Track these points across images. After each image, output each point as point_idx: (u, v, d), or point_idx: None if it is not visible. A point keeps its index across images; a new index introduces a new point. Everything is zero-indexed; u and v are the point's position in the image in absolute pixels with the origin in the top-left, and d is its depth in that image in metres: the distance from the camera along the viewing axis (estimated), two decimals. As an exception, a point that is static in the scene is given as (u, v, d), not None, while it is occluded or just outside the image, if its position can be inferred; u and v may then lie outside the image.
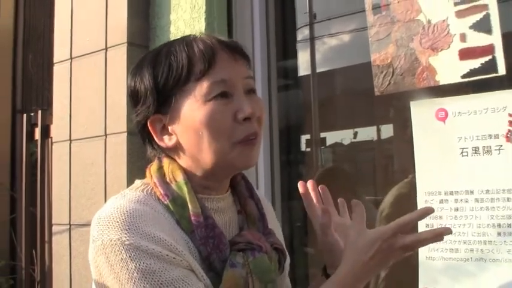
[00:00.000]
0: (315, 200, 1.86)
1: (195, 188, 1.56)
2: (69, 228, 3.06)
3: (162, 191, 1.54)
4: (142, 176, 1.65)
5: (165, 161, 1.62)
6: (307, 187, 1.86)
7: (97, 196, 2.92)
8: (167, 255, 1.40)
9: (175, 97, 1.55)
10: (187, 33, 2.75)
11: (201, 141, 1.53)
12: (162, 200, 1.53)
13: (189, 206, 1.51)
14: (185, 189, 1.54)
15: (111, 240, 1.40)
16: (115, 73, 2.93)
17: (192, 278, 1.43)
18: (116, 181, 2.85)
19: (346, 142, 3.17)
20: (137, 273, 1.37)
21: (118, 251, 1.39)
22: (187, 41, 1.59)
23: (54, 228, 3.17)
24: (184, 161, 1.60)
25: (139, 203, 1.49)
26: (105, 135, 2.93)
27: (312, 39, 3.05)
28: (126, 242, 1.38)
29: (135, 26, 2.95)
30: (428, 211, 1.54)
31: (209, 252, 1.49)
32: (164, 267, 1.39)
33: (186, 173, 1.58)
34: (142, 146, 2.61)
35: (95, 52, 3.04)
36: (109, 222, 1.43)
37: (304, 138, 3.14)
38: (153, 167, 1.63)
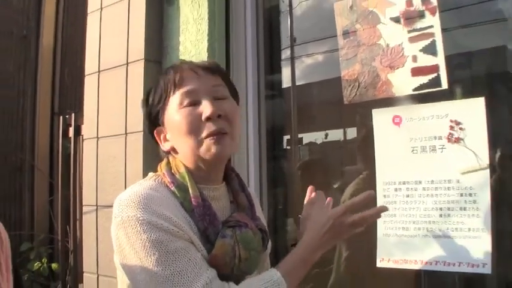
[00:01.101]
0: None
1: (195, 179, 1.63)
2: (96, 208, 3.04)
3: (169, 180, 1.62)
4: (155, 167, 1.73)
5: (171, 158, 1.70)
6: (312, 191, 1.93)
7: (118, 183, 2.90)
8: (172, 229, 1.47)
9: (161, 112, 1.68)
10: (193, 51, 2.75)
11: (181, 140, 1.64)
12: (169, 187, 1.61)
13: (190, 190, 1.59)
14: (186, 178, 1.61)
15: (128, 217, 1.47)
16: (134, 83, 2.92)
17: (192, 248, 1.50)
18: (133, 171, 2.84)
19: (319, 141, 3.15)
20: (148, 243, 1.44)
21: (134, 225, 1.46)
22: (166, 71, 1.73)
23: (84, 209, 3.15)
24: (181, 158, 1.68)
25: (152, 189, 1.56)
26: (126, 133, 2.92)
27: (293, 58, 3.05)
28: (140, 218, 1.46)
29: (151, 46, 2.93)
30: (370, 196, 1.68)
31: (206, 227, 1.55)
32: (170, 239, 1.46)
33: (186, 166, 1.65)
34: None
35: (118, 66, 3.02)
36: (128, 203, 1.50)
37: (286, 138, 3.12)
38: (163, 162, 1.71)
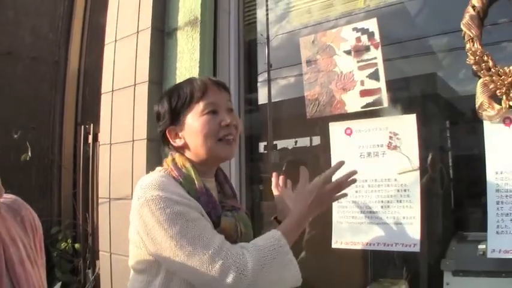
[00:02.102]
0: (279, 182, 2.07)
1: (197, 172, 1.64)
2: (109, 200, 3.01)
3: (176, 173, 1.62)
4: (156, 167, 1.74)
5: (177, 155, 1.69)
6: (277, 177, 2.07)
7: (126, 181, 2.88)
8: (189, 203, 1.50)
9: (183, 114, 1.66)
10: (187, 75, 2.76)
11: (199, 140, 1.63)
12: (177, 179, 1.60)
13: (195, 181, 1.60)
14: (192, 171, 1.62)
15: (152, 195, 1.47)
16: (140, 100, 2.91)
17: (204, 219, 1.52)
18: (138, 170, 2.83)
19: (290, 147, 3.15)
20: (172, 215, 1.44)
21: (158, 202, 1.46)
22: (190, 81, 1.72)
23: (100, 200, 3.12)
24: (189, 154, 1.68)
25: (164, 177, 1.57)
26: (133, 140, 2.90)
27: (269, 81, 3.04)
28: (163, 196, 1.47)
29: (154, 70, 2.91)
30: (339, 164, 1.75)
31: (209, 210, 1.57)
32: (188, 211, 1.47)
33: (191, 162, 1.66)
34: (157, 148, 2.59)
35: (127, 87, 3.00)
36: (149, 186, 1.50)
37: (263, 144, 3.10)
38: (168, 159, 1.70)
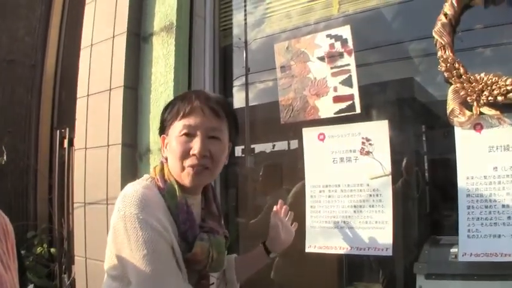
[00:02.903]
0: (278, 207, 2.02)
1: (181, 188, 1.59)
2: (84, 204, 2.96)
3: (161, 185, 1.58)
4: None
5: (165, 166, 1.64)
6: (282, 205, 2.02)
7: (101, 185, 2.84)
8: (162, 231, 1.45)
9: (168, 127, 1.64)
10: (162, 80, 2.73)
11: (172, 160, 1.61)
12: (161, 190, 1.57)
13: (178, 197, 1.56)
14: (175, 186, 1.58)
15: (130, 213, 1.44)
16: (115, 105, 2.87)
17: (171, 254, 1.48)
18: (113, 175, 2.79)
19: (267, 151, 3.16)
20: (142, 239, 1.42)
21: (134, 221, 1.43)
22: (185, 96, 1.66)
23: (75, 205, 3.06)
24: (170, 169, 1.63)
25: (148, 189, 1.53)
26: (108, 145, 2.86)
27: (246, 85, 3.07)
28: (140, 217, 1.43)
29: (129, 75, 2.87)
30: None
31: (186, 229, 1.54)
32: (158, 240, 1.44)
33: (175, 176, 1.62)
34: (131, 153, 2.66)
35: (103, 91, 2.96)
36: (131, 200, 1.46)
37: (240, 148, 3.10)
38: (158, 168, 1.65)
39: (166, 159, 1.66)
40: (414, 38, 2.43)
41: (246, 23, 3.04)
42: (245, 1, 3.02)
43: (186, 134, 1.57)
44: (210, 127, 1.60)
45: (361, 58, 2.32)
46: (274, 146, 3.17)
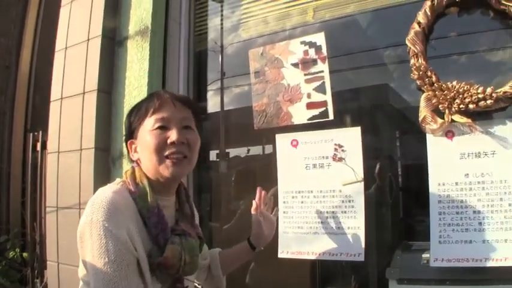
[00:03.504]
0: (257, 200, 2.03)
1: (154, 190, 1.57)
2: (57, 209, 2.91)
3: (132, 189, 1.56)
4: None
5: (137, 169, 1.62)
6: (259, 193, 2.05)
7: (74, 189, 2.80)
8: (127, 244, 1.42)
9: (137, 128, 1.63)
10: (136, 85, 2.70)
11: (147, 156, 1.58)
12: (132, 194, 1.54)
13: (149, 200, 1.53)
14: (147, 189, 1.56)
15: (97, 220, 1.41)
16: (88, 109, 2.83)
17: (133, 265, 1.44)
18: (86, 179, 2.76)
19: (242, 155, 3.14)
20: (105, 247, 1.39)
21: (99, 228, 1.40)
22: (152, 94, 1.69)
23: (48, 209, 3.01)
24: (144, 170, 1.62)
25: (118, 194, 1.50)
26: (81, 149, 2.82)
27: (222, 89, 3.04)
28: (106, 225, 1.40)
29: (103, 79, 2.83)
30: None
31: (157, 232, 1.52)
32: (121, 251, 1.41)
33: (148, 178, 1.59)
34: (105, 157, 2.62)
35: (76, 95, 2.92)
36: (99, 207, 1.43)
37: (215, 152, 3.07)
38: (129, 171, 1.64)
39: (137, 162, 1.65)
40: (389, 45, 2.43)
41: (222, 28, 3.02)
42: (221, 6, 3.01)
43: (160, 128, 1.57)
44: (182, 117, 1.62)
45: (335, 65, 2.33)
46: (248, 150, 3.15)
